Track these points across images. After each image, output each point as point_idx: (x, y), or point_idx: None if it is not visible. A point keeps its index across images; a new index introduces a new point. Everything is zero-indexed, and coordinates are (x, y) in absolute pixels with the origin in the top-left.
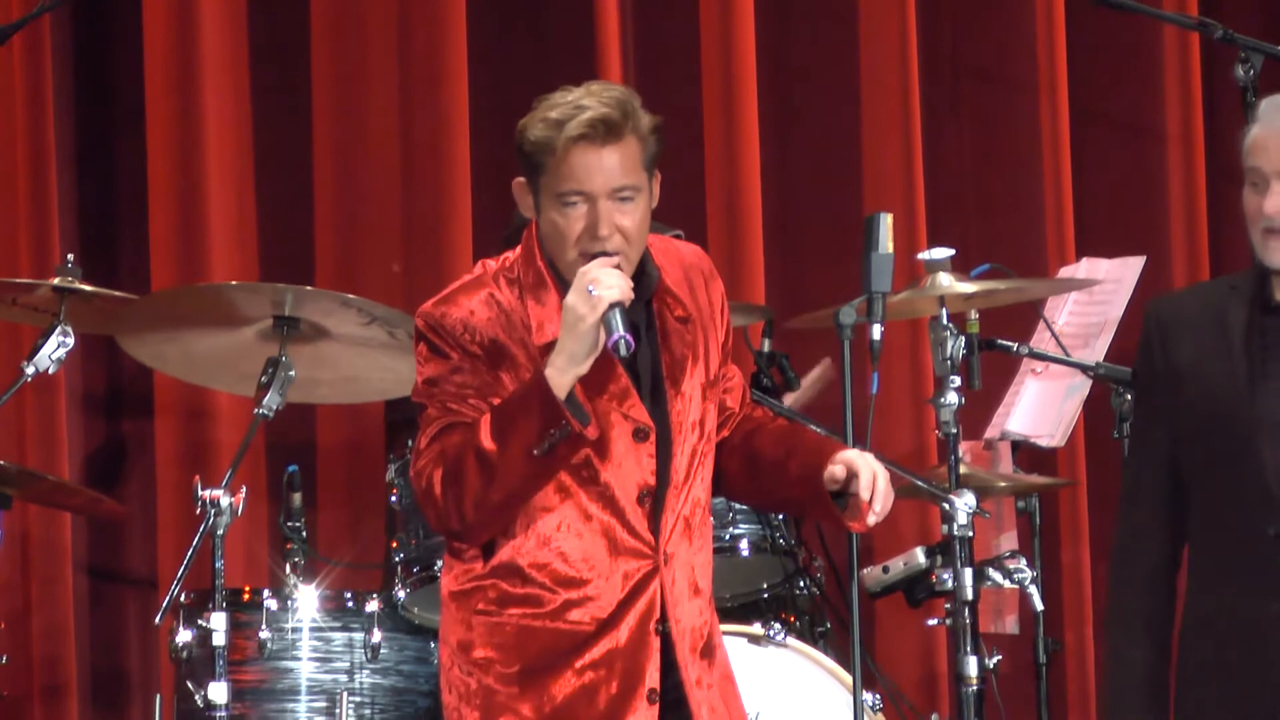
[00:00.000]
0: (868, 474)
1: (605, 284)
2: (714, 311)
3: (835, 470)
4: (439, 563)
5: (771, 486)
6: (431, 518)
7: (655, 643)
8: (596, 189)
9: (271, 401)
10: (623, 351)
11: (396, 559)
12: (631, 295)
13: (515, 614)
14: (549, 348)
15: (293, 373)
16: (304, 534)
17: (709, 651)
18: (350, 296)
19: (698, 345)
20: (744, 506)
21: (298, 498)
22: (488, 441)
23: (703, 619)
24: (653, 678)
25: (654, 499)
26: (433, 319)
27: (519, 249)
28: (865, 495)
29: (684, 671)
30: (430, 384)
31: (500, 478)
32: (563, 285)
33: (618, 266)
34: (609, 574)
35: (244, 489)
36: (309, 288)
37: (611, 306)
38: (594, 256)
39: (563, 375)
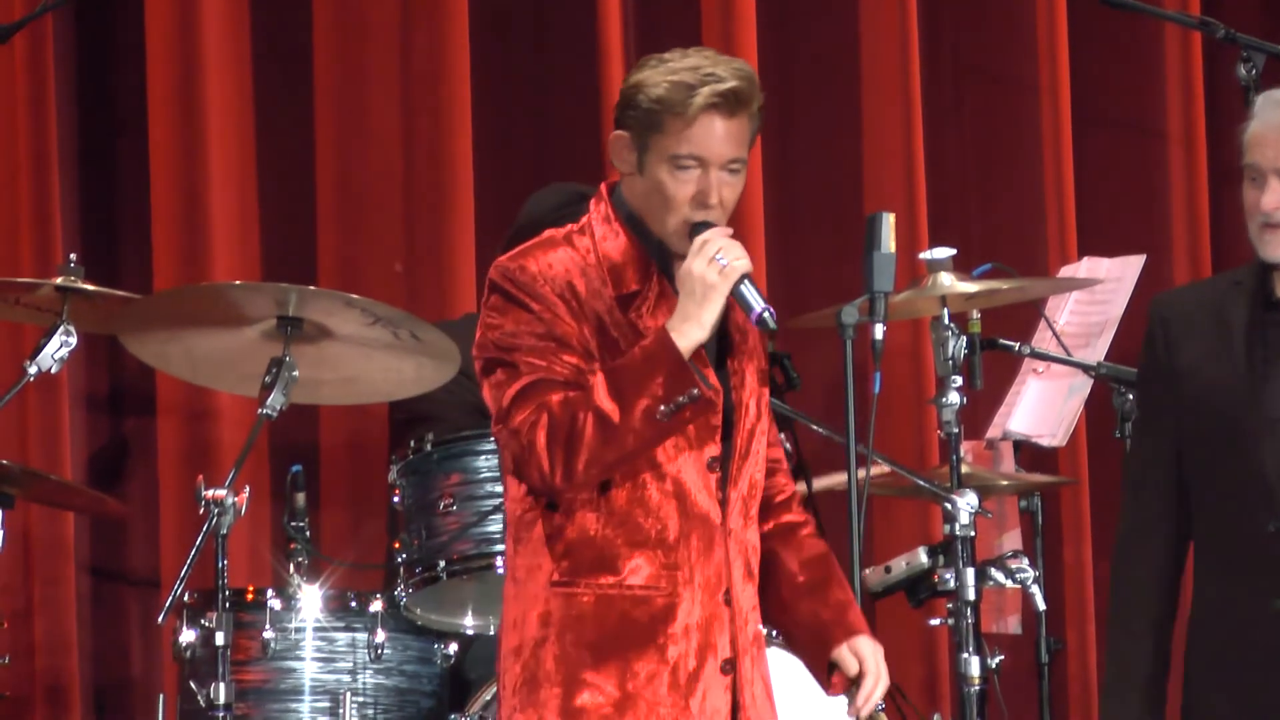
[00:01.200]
0: (871, 682)
1: (734, 253)
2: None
3: (847, 661)
4: (441, 563)
5: (776, 607)
6: (533, 475)
7: (725, 613)
8: (714, 157)
9: (275, 402)
10: (771, 324)
11: (399, 559)
12: (752, 267)
13: (591, 584)
14: (628, 300)
15: (296, 373)
16: (307, 534)
17: (759, 643)
18: (354, 296)
19: (749, 333)
20: None
21: (301, 498)
22: (606, 402)
23: (754, 604)
24: (724, 648)
25: (722, 469)
26: (509, 270)
27: (592, 209)
28: (860, 704)
29: (738, 648)
30: (508, 337)
31: (619, 439)
32: (645, 243)
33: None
34: (681, 538)
35: (247, 489)
36: (312, 288)
37: (743, 277)
38: (696, 225)
39: (687, 340)
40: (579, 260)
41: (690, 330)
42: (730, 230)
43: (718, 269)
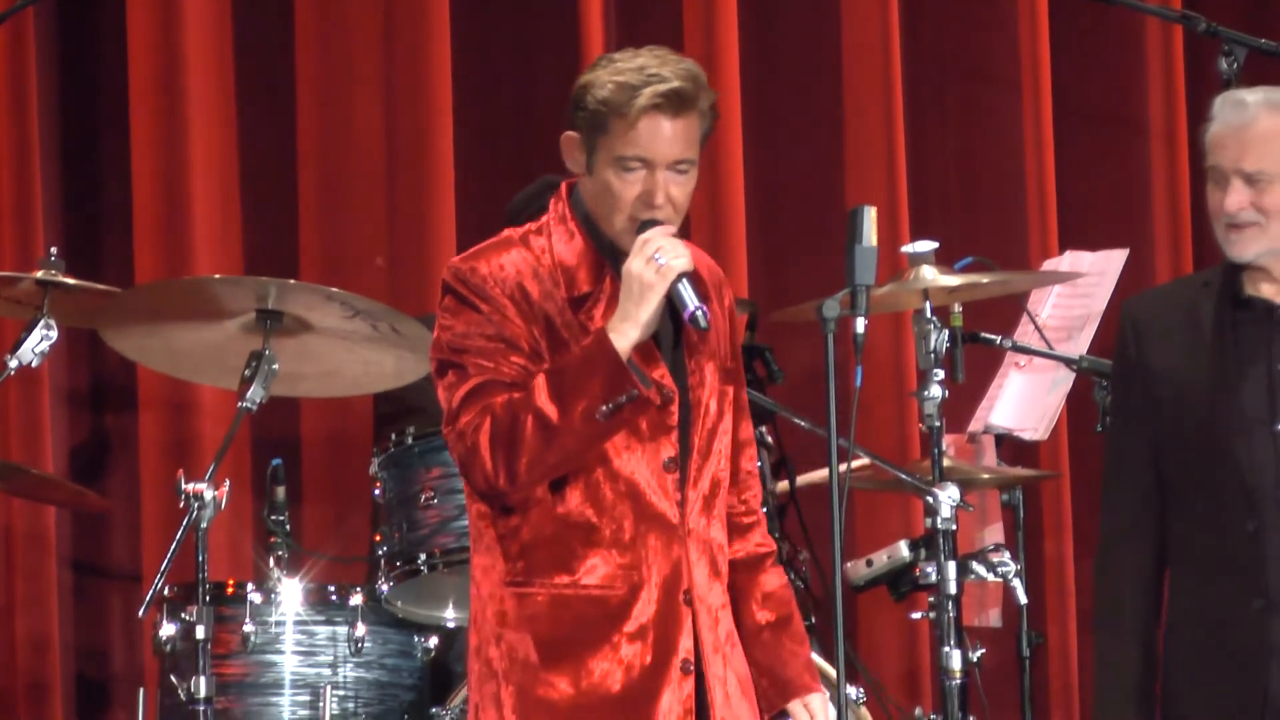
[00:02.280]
0: None
1: (673, 253)
2: (725, 316)
3: (800, 716)
4: (422, 556)
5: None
6: (477, 477)
7: (686, 613)
8: (659, 158)
9: (255, 395)
10: (703, 324)
11: (380, 553)
12: (693, 266)
13: (546, 583)
14: (580, 301)
15: (276, 366)
16: (288, 528)
17: (731, 640)
18: (334, 290)
19: (713, 333)
20: None
21: (281, 491)
22: (546, 404)
23: (723, 602)
24: (685, 648)
25: (679, 469)
26: (461, 272)
27: (551, 208)
28: None
29: (704, 647)
30: (459, 339)
31: (559, 440)
32: (598, 244)
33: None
34: (636, 537)
35: (228, 483)
36: (293, 281)
37: (680, 276)
38: (643, 224)
39: (625, 340)
40: (532, 261)
41: (628, 330)
42: (672, 229)
43: (655, 268)
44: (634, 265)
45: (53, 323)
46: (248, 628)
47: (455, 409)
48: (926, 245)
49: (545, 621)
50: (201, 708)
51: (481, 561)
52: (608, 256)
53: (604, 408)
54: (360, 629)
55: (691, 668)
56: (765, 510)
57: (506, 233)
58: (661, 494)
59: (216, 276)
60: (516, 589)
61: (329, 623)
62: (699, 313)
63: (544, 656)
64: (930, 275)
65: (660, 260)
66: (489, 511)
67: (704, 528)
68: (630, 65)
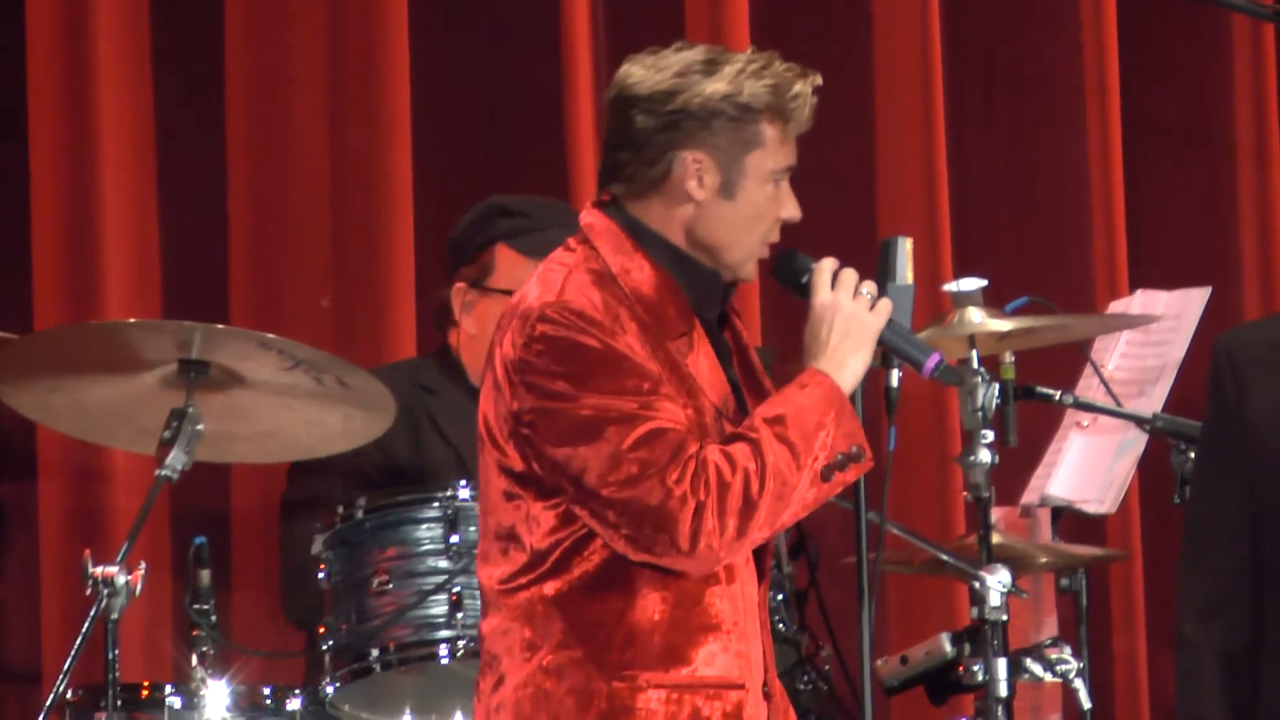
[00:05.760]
0: None
1: (872, 287)
2: None
3: None
4: (375, 651)
5: None
6: (683, 538)
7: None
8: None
9: (176, 461)
10: (958, 377)
11: (324, 647)
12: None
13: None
14: (679, 340)
15: (201, 426)
16: (214, 618)
17: None
18: (270, 336)
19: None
20: None
21: (206, 575)
22: (779, 458)
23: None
24: None
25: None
26: (568, 308)
27: (594, 237)
28: None
29: None
30: (599, 387)
31: (791, 501)
32: (682, 278)
33: None
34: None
35: (143, 565)
36: (221, 326)
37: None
38: (788, 252)
39: (847, 386)
40: (617, 294)
41: (847, 379)
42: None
43: (867, 305)
44: (843, 301)
45: None
46: None
47: (635, 457)
48: (973, 283)
49: None
50: None
51: (560, 656)
52: (688, 291)
53: (826, 466)
54: None
55: None
56: (783, 598)
57: (559, 259)
58: (747, 565)
59: (131, 321)
60: (625, 684)
61: None
62: (946, 365)
63: None
64: (977, 319)
65: (866, 294)
66: (584, 587)
67: (763, 601)
68: (755, 64)
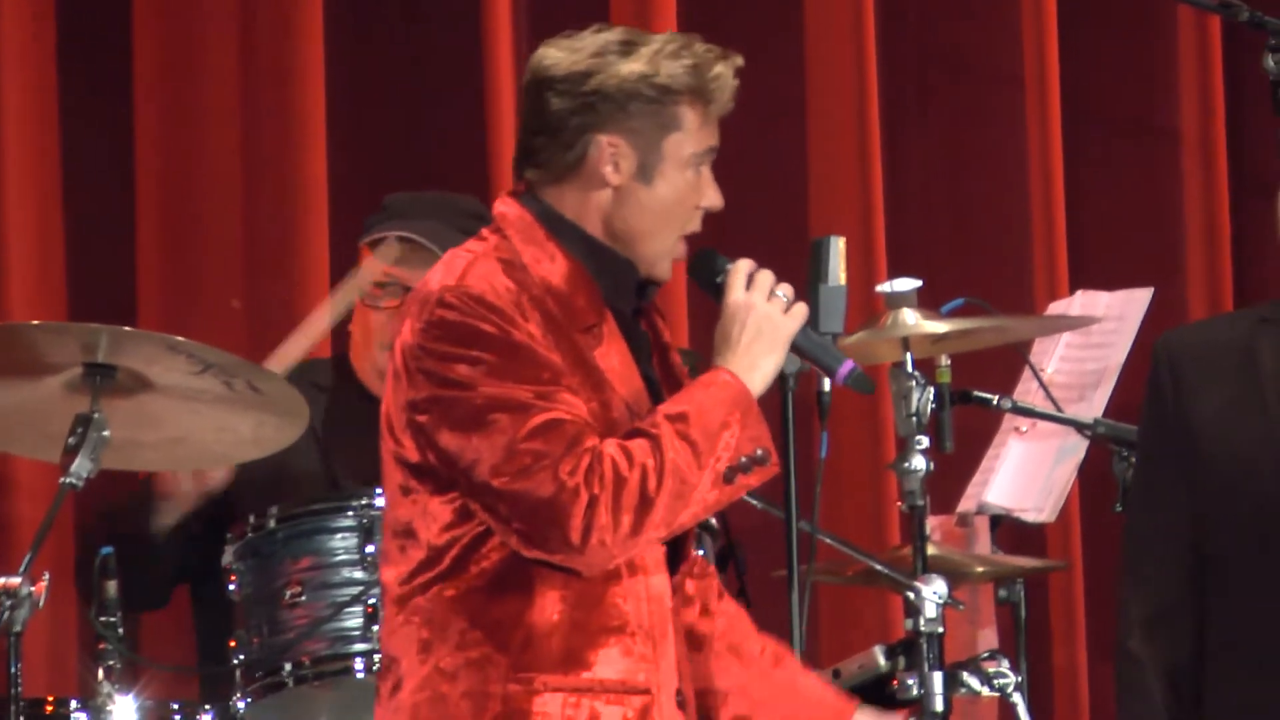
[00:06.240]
0: None
1: (789, 290)
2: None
3: None
4: (288, 665)
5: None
6: (574, 532)
7: None
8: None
9: (81, 468)
10: (869, 385)
11: (235, 661)
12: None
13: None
14: (588, 332)
15: (107, 433)
16: (120, 631)
17: None
18: (179, 339)
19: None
20: None
21: (113, 586)
22: (679, 455)
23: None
24: None
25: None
26: (469, 294)
27: (505, 225)
28: None
29: None
30: (493, 373)
31: (692, 500)
32: (593, 268)
33: None
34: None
35: (46, 576)
36: (128, 329)
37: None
38: (706, 252)
39: (755, 388)
40: (519, 279)
41: (755, 380)
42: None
43: (782, 307)
44: (757, 301)
45: None
46: None
47: (528, 449)
48: (907, 284)
49: None
50: None
51: (454, 657)
52: (603, 283)
53: (729, 467)
54: None
55: None
56: None
57: (468, 247)
58: (658, 568)
59: (34, 323)
60: (521, 687)
61: None
62: (860, 372)
63: None
64: (912, 320)
65: (782, 297)
66: (483, 586)
67: (678, 609)
68: (673, 44)
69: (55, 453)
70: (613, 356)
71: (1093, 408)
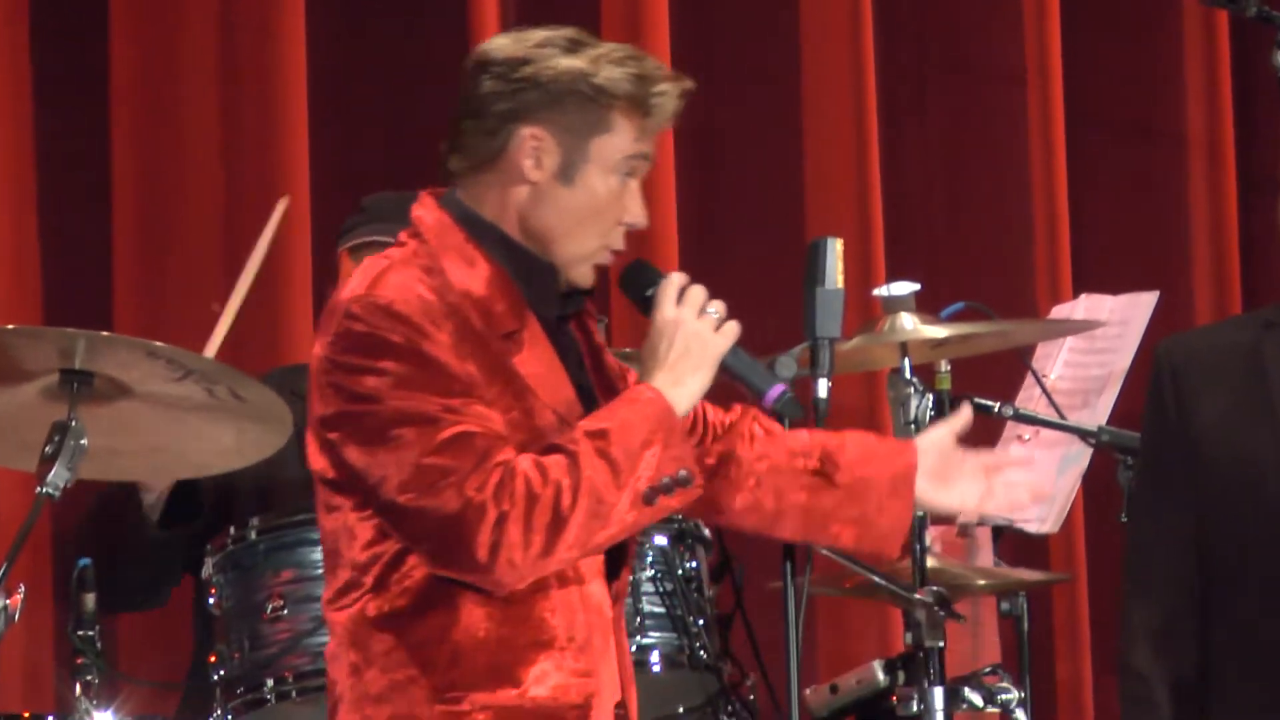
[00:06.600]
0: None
1: (721, 307)
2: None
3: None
4: (269, 681)
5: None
6: (482, 550)
7: None
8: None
9: (58, 477)
10: (799, 409)
11: (216, 677)
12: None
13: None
14: (508, 338)
15: (85, 441)
16: (99, 645)
17: None
18: (158, 345)
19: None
20: (657, 610)
21: (91, 600)
22: (597, 473)
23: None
24: None
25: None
26: (377, 304)
27: (423, 228)
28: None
29: None
30: (401, 385)
31: (610, 520)
32: (514, 270)
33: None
34: (586, 637)
35: (22, 588)
36: (105, 334)
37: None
38: (641, 265)
39: (681, 406)
40: (436, 286)
41: (680, 399)
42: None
43: (712, 324)
44: (686, 317)
45: None
46: None
47: (434, 464)
48: (905, 287)
49: None
50: None
51: (383, 676)
52: (525, 287)
53: (650, 488)
54: None
55: None
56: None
57: (387, 254)
58: (594, 576)
59: (9, 327)
60: (450, 707)
61: None
62: (791, 396)
63: None
64: (910, 325)
65: (713, 314)
66: (407, 605)
67: (621, 617)
68: (620, 52)
69: (31, 462)
70: (535, 363)
71: (1097, 415)
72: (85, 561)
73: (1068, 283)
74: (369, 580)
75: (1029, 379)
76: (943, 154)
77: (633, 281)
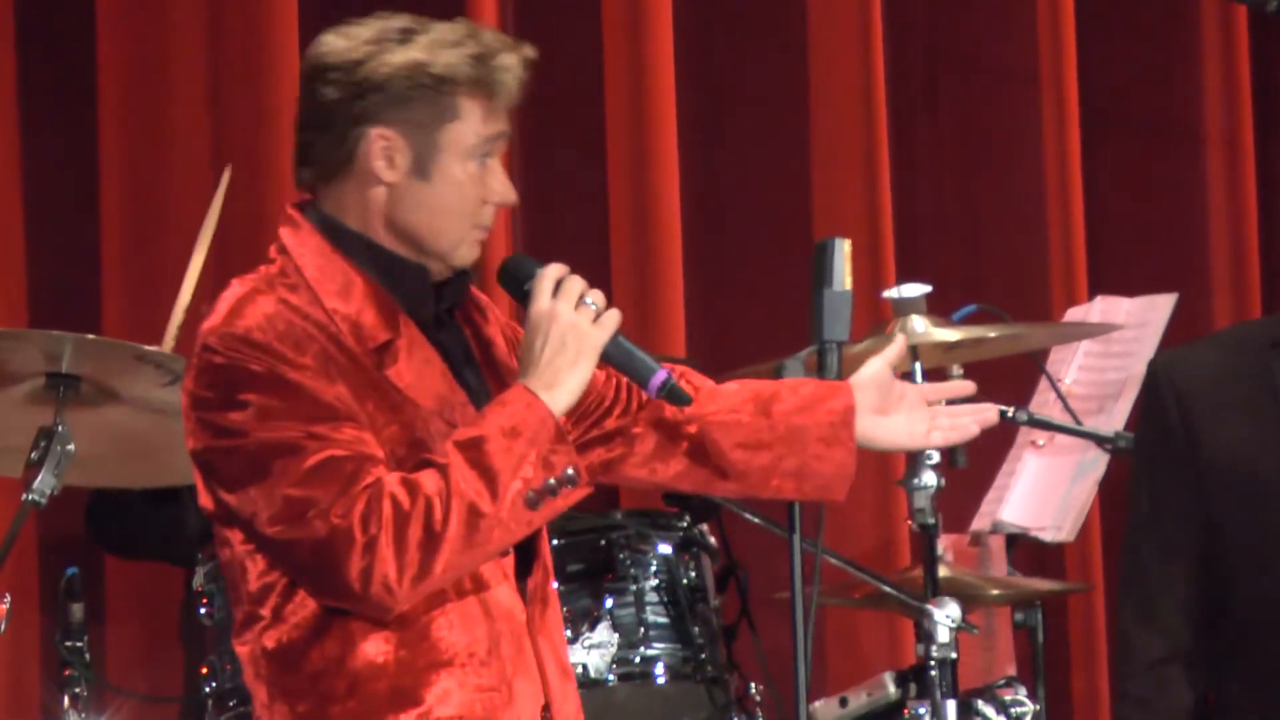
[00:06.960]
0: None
1: (599, 297)
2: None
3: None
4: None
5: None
6: (354, 579)
7: None
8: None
9: (44, 484)
10: (686, 396)
11: (207, 690)
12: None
13: None
14: (382, 350)
15: (72, 447)
16: (86, 656)
17: None
18: (146, 348)
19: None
20: (661, 620)
21: (79, 609)
22: (470, 486)
23: (578, 706)
24: None
25: (516, 550)
26: (234, 336)
27: (292, 244)
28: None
29: None
30: (264, 415)
31: (488, 533)
32: (383, 277)
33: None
34: (492, 648)
35: (8, 598)
36: (92, 337)
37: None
38: (519, 259)
39: (558, 407)
40: (298, 306)
41: (559, 397)
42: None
43: (590, 316)
44: (561, 310)
45: None
46: None
47: (299, 495)
48: (916, 289)
49: None
50: None
51: (282, 707)
52: (396, 292)
53: (534, 492)
54: None
55: None
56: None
57: (236, 285)
58: (505, 585)
59: None
60: None
61: None
62: (674, 383)
63: None
64: (921, 328)
65: (591, 305)
66: (302, 636)
67: (542, 618)
68: (454, 33)
69: (16, 468)
70: (412, 372)
71: (1113, 420)
72: (73, 570)
73: (1083, 284)
74: (266, 613)
75: (1043, 383)
76: (953, 153)
77: (511, 276)
